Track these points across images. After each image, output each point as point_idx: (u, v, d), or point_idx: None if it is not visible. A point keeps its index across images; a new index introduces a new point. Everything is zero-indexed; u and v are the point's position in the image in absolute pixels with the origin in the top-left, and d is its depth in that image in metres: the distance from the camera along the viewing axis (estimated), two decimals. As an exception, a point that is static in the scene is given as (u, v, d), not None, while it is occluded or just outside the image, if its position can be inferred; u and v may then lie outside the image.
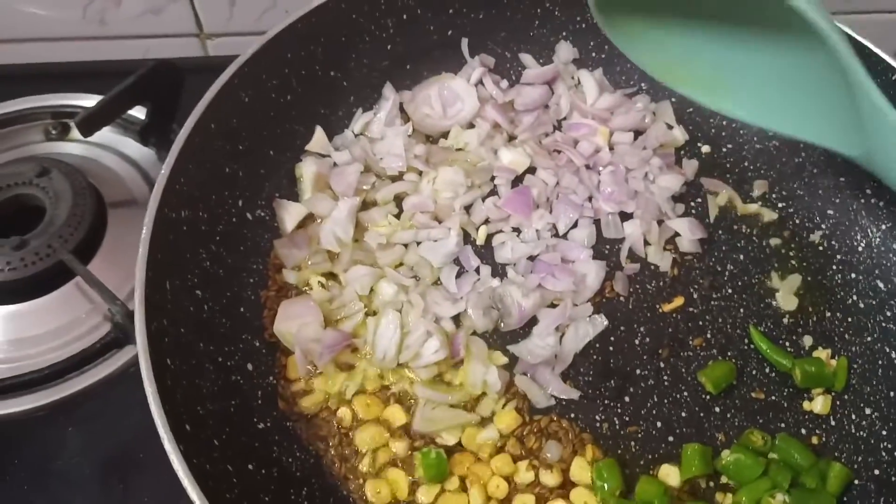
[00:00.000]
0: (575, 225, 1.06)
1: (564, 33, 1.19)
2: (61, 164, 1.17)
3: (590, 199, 1.08)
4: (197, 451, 0.77)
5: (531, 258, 1.03)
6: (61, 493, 0.96)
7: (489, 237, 1.06)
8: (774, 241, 1.08)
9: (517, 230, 1.06)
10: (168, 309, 0.86)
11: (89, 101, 1.24)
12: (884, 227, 1.05)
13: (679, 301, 1.02)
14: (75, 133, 1.28)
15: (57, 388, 1.02)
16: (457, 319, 0.98)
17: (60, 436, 1.00)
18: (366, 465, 0.89)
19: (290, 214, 1.03)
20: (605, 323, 0.99)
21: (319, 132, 1.09)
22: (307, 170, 1.06)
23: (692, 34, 0.93)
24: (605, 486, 0.88)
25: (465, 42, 1.17)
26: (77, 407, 1.02)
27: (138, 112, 1.23)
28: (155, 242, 0.86)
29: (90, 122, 1.14)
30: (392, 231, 1.04)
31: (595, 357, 0.98)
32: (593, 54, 1.20)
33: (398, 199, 1.07)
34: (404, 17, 1.12)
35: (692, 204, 1.11)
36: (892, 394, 0.96)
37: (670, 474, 0.90)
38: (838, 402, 0.96)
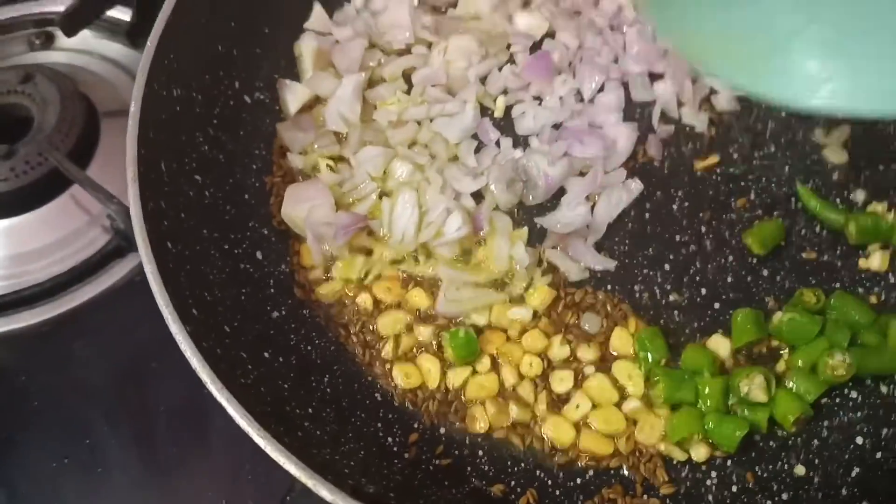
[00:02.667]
0: (601, 89, 0.97)
1: None
2: (46, 70, 1.10)
3: (615, 60, 0.99)
4: (206, 335, 0.71)
5: (555, 127, 0.95)
6: (74, 406, 0.91)
7: (508, 109, 0.97)
8: (819, 95, 0.99)
9: (538, 99, 0.97)
10: (165, 192, 0.80)
11: (72, 5, 1.17)
12: (940, 68, 0.96)
13: (714, 159, 0.93)
14: (61, 42, 1.21)
15: (59, 301, 0.98)
16: (477, 196, 0.91)
17: (68, 350, 0.95)
18: (389, 351, 0.83)
19: (294, 95, 0.96)
20: (641, 188, 0.91)
21: (318, 8, 1.01)
22: (307, 47, 0.98)
23: None
24: (650, 356, 0.81)
25: None
26: (83, 320, 0.97)
27: (124, 14, 1.16)
28: (145, 119, 0.79)
29: (74, 20, 1.08)
30: (403, 108, 0.96)
31: (630, 225, 0.90)
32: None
33: (407, 75, 0.99)
34: None
35: (727, 62, 1.02)
36: (956, 243, 0.88)
37: (720, 345, 0.83)
38: (897, 257, 0.88)
